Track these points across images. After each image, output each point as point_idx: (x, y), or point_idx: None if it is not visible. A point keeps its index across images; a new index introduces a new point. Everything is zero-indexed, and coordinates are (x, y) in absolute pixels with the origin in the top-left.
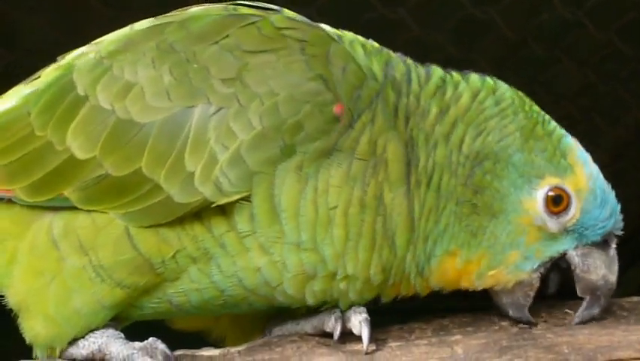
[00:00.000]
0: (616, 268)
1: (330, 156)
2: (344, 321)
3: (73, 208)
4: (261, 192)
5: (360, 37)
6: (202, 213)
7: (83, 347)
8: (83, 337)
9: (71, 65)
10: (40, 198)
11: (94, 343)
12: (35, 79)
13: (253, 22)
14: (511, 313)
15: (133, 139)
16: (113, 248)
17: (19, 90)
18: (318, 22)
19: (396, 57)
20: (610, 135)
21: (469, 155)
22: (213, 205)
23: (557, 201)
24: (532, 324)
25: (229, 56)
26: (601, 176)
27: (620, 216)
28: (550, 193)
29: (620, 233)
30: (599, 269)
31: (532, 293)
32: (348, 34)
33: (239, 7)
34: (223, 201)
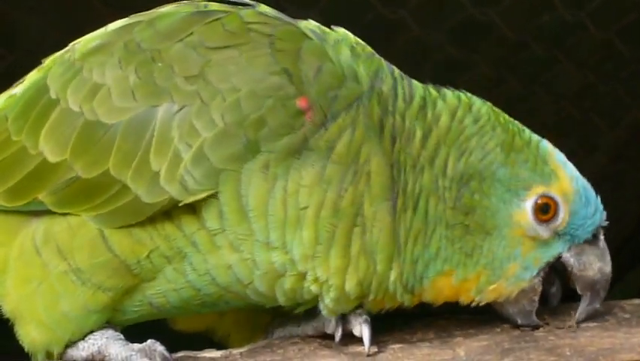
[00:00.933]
0: (608, 257)
1: (301, 155)
2: (345, 323)
3: (51, 213)
4: (229, 189)
5: (352, 38)
6: (172, 212)
7: (83, 349)
8: (82, 339)
9: (49, 67)
10: (18, 202)
11: (93, 344)
12: (21, 82)
13: (218, 19)
14: (519, 321)
15: (100, 140)
16: (88, 251)
17: (6, 94)
18: (320, 22)
19: (386, 67)
20: (609, 136)
21: (454, 177)
22: (180, 204)
23: (545, 210)
24: (536, 326)
25: (192, 53)
26: (577, 172)
27: (602, 207)
28: (538, 202)
29: (605, 223)
30: (594, 264)
31: (536, 298)
32: (336, 34)
33: (211, 3)
34: (189, 199)
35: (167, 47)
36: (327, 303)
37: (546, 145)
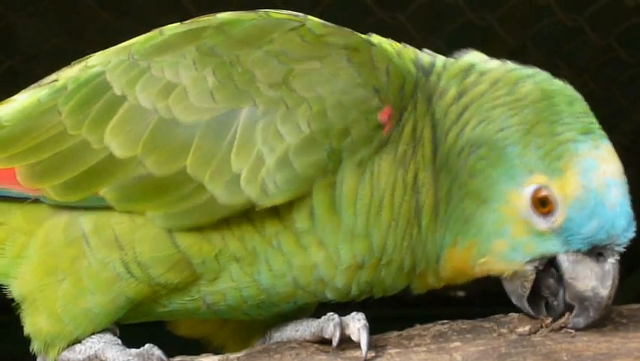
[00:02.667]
0: (609, 283)
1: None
2: (343, 328)
3: (104, 208)
4: (323, 188)
5: (382, 38)
6: (250, 213)
7: (80, 352)
8: (80, 341)
9: (103, 65)
10: (73, 197)
11: (91, 348)
12: (53, 81)
13: (293, 29)
14: (513, 300)
15: (176, 138)
16: (151, 245)
17: (35, 92)
18: None
19: (421, 52)
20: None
21: (469, 139)
22: (257, 208)
23: (543, 203)
24: (531, 316)
25: (274, 61)
26: (607, 192)
27: (623, 232)
28: (538, 194)
29: (621, 249)
30: (589, 280)
31: (527, 285)
32: (375, 36)
33: (270, 11)
34: (267, 203)
35: (245, 53)
36: (386, 282)
37: (579, 149)
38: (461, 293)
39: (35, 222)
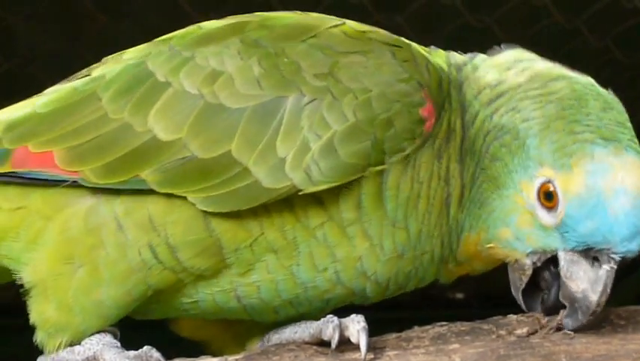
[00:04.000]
0: (600, 289)
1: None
2: (342, 330)
3: (138, 191)
4: (372, 178)
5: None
6: (294, 201)
7: (78, 353)
8: (80, 342)
9: (142, 57)
10: (114, 179)
11: (89, 349)
12: (85, 75)
13: (336, 25)
14: (512, 290)
15: (222, 123)
16: (184, 227)
17: (66, 85)
18: None
19: (453, 52)
20: None
21: (497, 124)
22: (301, 193)
23: (548, 197)
24: (524, 310)
25: (319, 53)
26: (613, 198)
27: (622, 241)
28: (544, 187)
29: (618, 258)
30: (581, 282)
31: (524, 278)
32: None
33: (309, 14)
34: (311, 189)
35: (291, 45)
36: (418, 274)
37: (592, 149)
38: (460, 295)
39: (55, 208)
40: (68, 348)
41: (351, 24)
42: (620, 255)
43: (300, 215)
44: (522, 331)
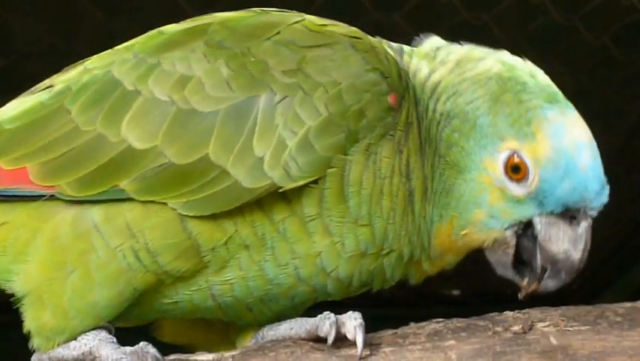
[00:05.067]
0: (582, 246)
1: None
2: (339, 326)
3: (113, 199)
4: (335, 174)
5: None
6: (263, 199)
7: (74, 348)
8: (75, 338)
9: (105, 66)
10: (91, 191)
11: (85, 345)
12: (48, 87)
13: (296, 22)
14: (498, 272)
15: (197, 127)
16: (161, 231)
17: (31, 98)
18: None
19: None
20: (603, 141)
21: (443, 112)
22: (281, 190)
23: (516, 170)
24: (518, 284)
25: (285, 50)
26: (578, 155)
27: (596, 195)
28: (510, 160)
29: (594, 213)
30: (562, 242)
31: (510, 251)
32: None
33: (268, 10)
34: (291, 185)
35: (256, 44)
36: (386, 273)
37: (546, 115)
38: (456, 292)
39: (40, 220)
40: (64, 344)
41: (311, 18)
42: (596, 208)
43: (267, 210)
44: (518, 327)
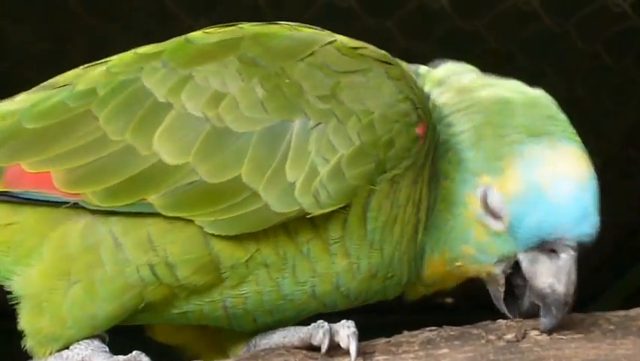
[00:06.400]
0: (564, 278)
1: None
2: (332, 335)
3: (136, 214)
4: (360, 201)
5: None
6: (288, 221)
7: (67, 358)
8: (67, 347)
9: (134, 72)
10: (118, 203)
11: (78, 354)
12: (65, 85)
13: (330, 42)
14: (494, 303)
15: (230, 147)
16: (183, 246)
17: (45, 94)
18: None
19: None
20: (596, 148)
21: (439, 143)
22: (309, 216)
23: (489, 205)
24: (508, 318)
25: (319, 73)
26: (553, 187)
27: (572, 227)
28: (485, 197)
29: (573, 245)
30: (545, 277)
31: (501, 288)
32: None
33: (296, 25)
34: (318, 212)
35: (290, 65)
36: (385, 293)
37: (520, 148)
38: (449, 300)
39: (48, 225)
40: (56, 353)
41: (343, 40)
42: (574, 240)
43: (292, 232)
44: (512, 336)
